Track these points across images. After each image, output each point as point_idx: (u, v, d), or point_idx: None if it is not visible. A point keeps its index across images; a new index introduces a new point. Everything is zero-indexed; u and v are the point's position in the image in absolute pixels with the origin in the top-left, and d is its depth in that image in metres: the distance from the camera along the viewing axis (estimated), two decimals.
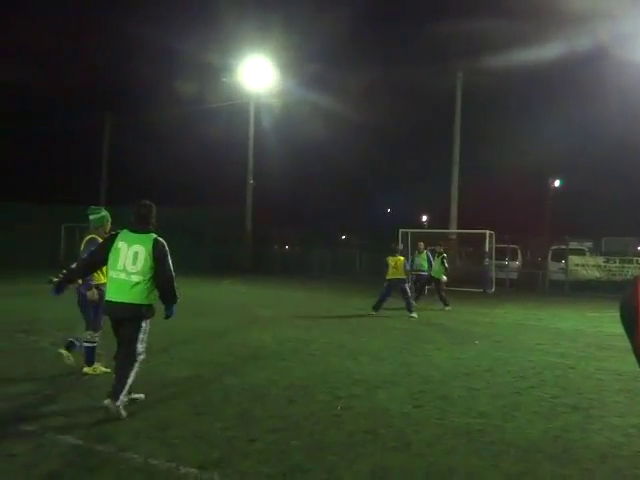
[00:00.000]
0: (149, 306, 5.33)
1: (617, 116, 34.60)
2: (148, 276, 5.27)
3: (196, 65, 37.54)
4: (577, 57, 25.30)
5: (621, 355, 8.99)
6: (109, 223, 6.87)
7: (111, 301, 5.30)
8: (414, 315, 13.41)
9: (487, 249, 22.92)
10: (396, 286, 13.79)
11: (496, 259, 23.94)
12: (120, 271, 5.25)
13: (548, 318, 13.99)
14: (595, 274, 23.25)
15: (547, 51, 25.42)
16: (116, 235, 5.45)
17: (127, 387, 5.16)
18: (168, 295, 5.47)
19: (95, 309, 6.54)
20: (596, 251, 26.31)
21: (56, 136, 37.01)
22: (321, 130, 39.89)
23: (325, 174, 51.26)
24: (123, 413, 5.06)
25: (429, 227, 46.42)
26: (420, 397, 6.08)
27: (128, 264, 5.24)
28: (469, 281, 23.48)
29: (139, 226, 5.43)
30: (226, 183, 36.61)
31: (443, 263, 16.10)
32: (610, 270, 22.94)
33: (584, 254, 25.12)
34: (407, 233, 24.20)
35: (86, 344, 6.64)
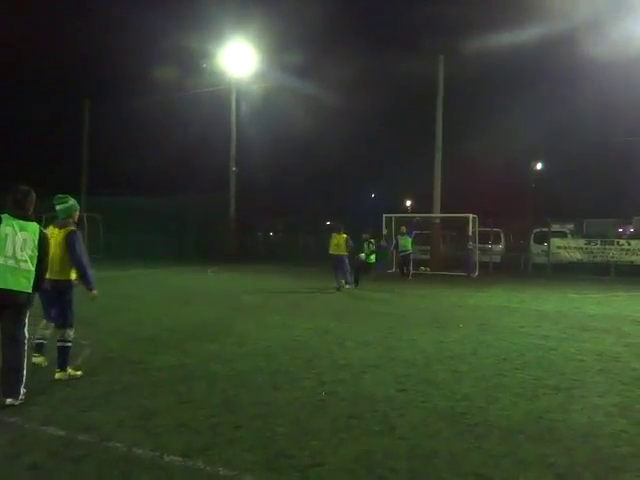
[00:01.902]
0: (31, 294, 5.31)
1: (598, 99, 34.83)
2: (35, 264, 5.28)
3: (177, 51, 37.07)
4: (558, 39, 25.35)
5: (602, 336, 9.11)
6: (77, 212, 6.43)
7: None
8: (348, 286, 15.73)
9: (470, 233, 23.04)
10: (336, 262, 15.65)
11: (479, 243, 24.09)
12: (8, 257, 5.15)
13: (531, 300, 14.12)
14: (577, 256, 23.49)
15: (528, 33, 25.44)
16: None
17: (24, 379, 5.20)
18: (42, 281, 5.43)
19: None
20: (578, 233, 26.56)
21: (35, 124, 36.53)
22: (304, 116, 39.73)
23: (308, 160, 51.10)
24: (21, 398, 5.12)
25: (413, 212, 46.55)
26: (404, 381, 6.11)
27: (17, 251, 5.19)
28: (453, 265, 23.65)
29: (18, 211, 5.31)
30: (209, 170, 36.39)
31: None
32: (592, 252, 23.17)
33: (566, 236, 25.37)
34: (391, 218, 24.27)
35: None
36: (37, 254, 5.30)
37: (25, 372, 5.23)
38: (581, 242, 23.82)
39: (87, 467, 3.91)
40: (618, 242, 23.08)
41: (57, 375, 5.99)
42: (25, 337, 5.31)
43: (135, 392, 5.60)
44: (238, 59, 29.89)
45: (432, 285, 18.06)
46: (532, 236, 26.40)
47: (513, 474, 3.89)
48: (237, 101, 31.27)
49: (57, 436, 4.40)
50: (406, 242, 19.69)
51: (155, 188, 34.06)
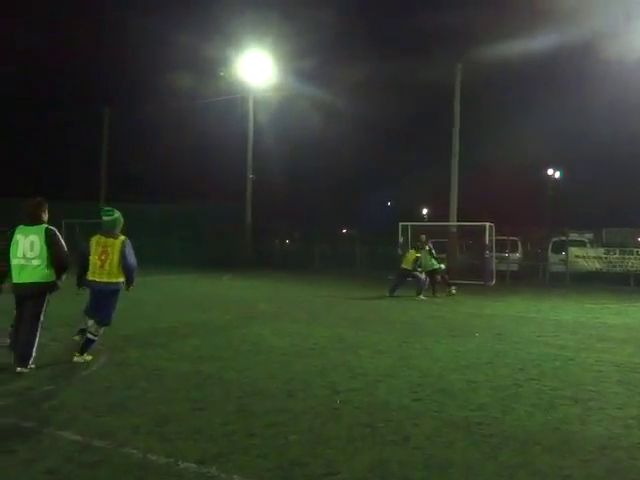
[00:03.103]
0: (51, 283, 6.42)
1: (617, 107, 34.52)
2: (46, 257, 6.33)
3: (194, 59, 37.50)
4: (577, 47, 25.21)
5: (620, 346, 9.00)
6: (122, 224, 7.14)
7: (17, 282, 6.34)
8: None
9: (487, 241, 22.89)
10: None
11: (496, 251, 23.92)
12: (20, 258, 6.32)
13: (548, 310, 13.99)
14: (595, 265, 23.22)
15: (547, 41, 25.32)
16: (14, 231, 6.42)
17: (34, 353, 6.31)
18: (60, 273, 6.48)
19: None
20: (596, 242, 26.27)
21: (55, 132, 37.00)
22: (321, 123, 39.84)
23: (325, 168, 51.22)
24: (32, 366, 6.28)
25: (429, 220, 46.40)
26: (419, 390, 6.08)
27: (27, 252, 6.31)
28: (470, 273, 23.48)
29: (28, 220, 6.45)
30: (225, 178, 36.60)
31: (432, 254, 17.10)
32: (610, 261, 22.90)
33: (584, 245, 25.08)
34: (407, 226, 24.19)
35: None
36: (47, 249, 6.33)
37: (35, 349, 6.34)
38: (600, 251, 23.57)
39: (102, 473, 3.93)
40: (638, 251, 22.79)
41: (75, 358, 6.89)
42: (40, 320, 6.40)
43: (150, 398, 5.63)
44: (255, 67, 30.07)
45: (448, 294, 17.93)
46: (550, 245, 26.17)
47: None
48: (254, 108, 31.43)
49: (73, 441, 4.44)
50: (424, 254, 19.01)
51: (172, 195, 34.34)
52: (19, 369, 6.21)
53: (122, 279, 6.95)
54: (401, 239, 23.61)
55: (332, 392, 5.93)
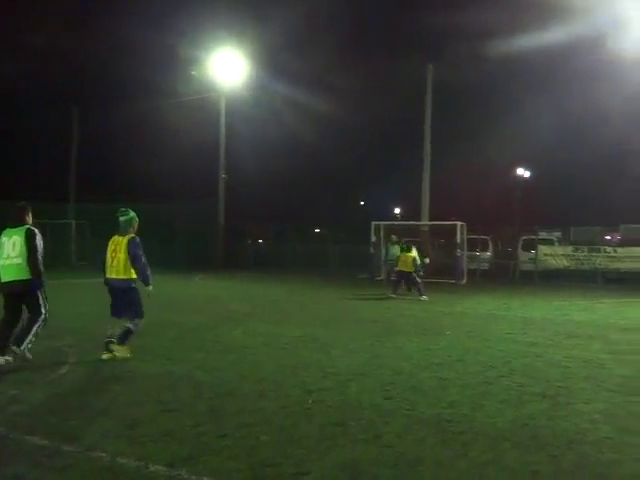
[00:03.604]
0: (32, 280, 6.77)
1: (586, 107, 35.13)
2: (26, 257, 6.70)
3: (166, 58, 37.12)
4: (546, 49, 25.56)
5: (588, 343, 9.17)
6: (137, 223, 7.51)
7: (3, 282, 6.77)
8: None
9: (459, 240, 23.14)
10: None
11: (468, 250, 24.19)
12: (5, 258, 6.75)
13: (518, 307, 14.19)
14: (564, 263, 23.62)
15: (516, 43, 25.61)
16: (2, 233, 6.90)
17: (30, 337, 6.71)
18: (35, 270, 6.77)
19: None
20: (565, 241, 26.71)
21: (22, 130, 36.31)
22: (293, 122, 39.75)
23: (298, 167, 51.18)
24: (28, 355, 6.73)
25: (402, 219, 46.69)
26: (391, 389, 6.11)
27: (10, 252, 6.73)
28: (441, 272, 23.69)
29: (13, 222, 6.89)
30: (198, 177, 36.35)
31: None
32: (578, 259, 23.32)
33: (553, 244, 25.50)
34: (380, 226, 24.32)
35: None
36: (27, 249, 6.70)
37: (31, 336, 6.75)
38: (568, 249, 23.98)
39: (71, 477, 3.87)
40: (605, 249, 23.24)
41: (113, 347, 7.17)
42: (41, 313, 6.84)
43: (120, 401, 5.56)
44: (227, 66, 29.90)
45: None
46: (520, 243, 26.54)
47: None
48: (226, 107, 31.26)
49: (41, 446, 4.36)
50: (395, 251, 19.51)
51: (143, 195, 33.94)
52: (14, 348, 6.61)
53: (133, 276, 7.26)
54: (374, 238, 23.74)
55: (304, 392, 5.93)
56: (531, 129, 43.57)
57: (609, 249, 23.30)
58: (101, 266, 7.34)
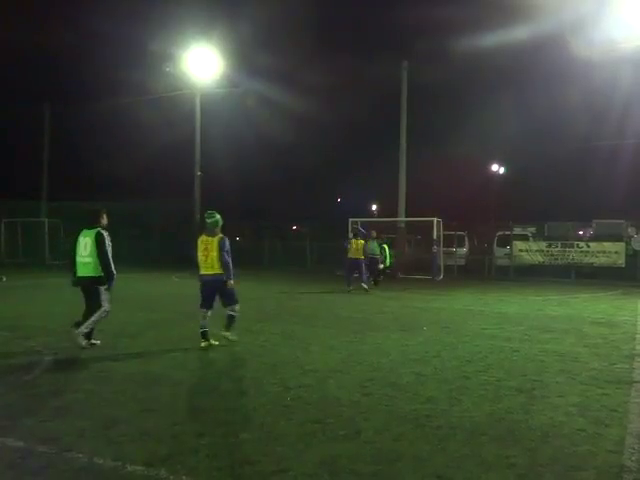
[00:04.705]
0: (101, 277, 7.72)
1: (558, 104, 35.59)
2: (95, 257, 7.66)
3: (141, 54, 36.71)
4: (519, 45, 25.84)
5: (562, 337, 9.31)
6: (221, 224, 8.33)
7: (77, 276, 7.82)
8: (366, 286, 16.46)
9: (435, 236, 23.29)
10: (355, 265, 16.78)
11: (444, 246, 24.36)
12: (80, 256, 7.76)
13: (494, 303, 14.34)
14: (538, 259, 23.89)
15: (490, 39, 25.83)
16: (79, 233, 7.88)
17: (89, 325, 7.68)
18: (106, 271, 7.72)
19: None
20: (539, 236, 27.05)
21: None
22: (271, 121, 39.65)
23: (274, 165, 51.08)
24: (81, 341, 7.61)
25: (379, 216, 46.85)
26: (369, 385, 6.14)
27: (82, 251, 7.76)
28: (418, 268, 23.85)
29: (88, 224, 7.90)
30: (174, 175, 36.05)
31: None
32: (553, 255, 23.61)
33: (527, 239, 25.79)
34: (357, 222, 24.37)
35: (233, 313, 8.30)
36: (96, 249, 7.66)
37: (92, 327, 7.75)
38: (542, 245, 24.26)
39: (47, 479, 3.83)
40: (578, 245, 23.56)
41: (224, 333, 8.23)
42: (101, 307, 7.72)
43: (97, 401, 5.50)
44: (202, 63, 29.65)
45: (397, 288, 18.19)
46: (495, 239, 26.80)
47: (475, 475, 3.93)
48: (202, 104, 31.03)
49: (16, 447, 4.29)
50: (375, 247, 19.71)
51: (119, 193, 33.56)
52: (76, 330, 7.63)
53: (223, 271, 8.10)
54: (351, 235, 23.76)
55: (283, 389, 5.93)
56: (505, 125, 44.03)
57: (582, 244, 23.64)
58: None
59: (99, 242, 7.68)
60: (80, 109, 33.64)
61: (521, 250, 24.26)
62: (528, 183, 49.57)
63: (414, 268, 24.09)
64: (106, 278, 7.73)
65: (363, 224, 23.41)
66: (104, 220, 8.02)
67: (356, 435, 4.63)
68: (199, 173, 31.22)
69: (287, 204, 49.11)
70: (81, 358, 7.33)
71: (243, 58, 34.09)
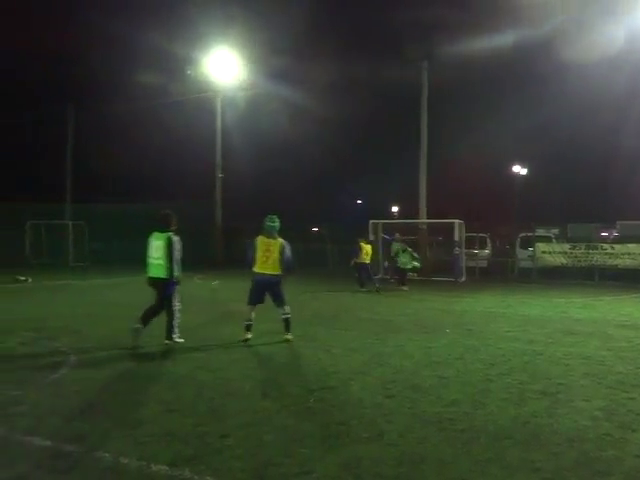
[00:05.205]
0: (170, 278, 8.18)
1: (582, 105, 35.19)
2: (166, 259, 8.11)
3: (162, 57, 36.95)
4: (542, 42, 25.55)
5: (587, 340, 9.19)
6: (279, 229, 8.89)
7: (148, 277, 8.33)
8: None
9: (457, 238, 23.15)
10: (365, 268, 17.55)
11: (466, 248, 24.18)
12: (150, 257, 8.27)
13: (517, 305, 14.21)
14: (561, 260, 23.62)
15: (511, 39, 25.61)
16: (150, 235, 8.37)
17: (171, 328, 8.25)
18: (170, 274, 8.19)
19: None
20: (562, 238, 26.73)
21: (18, 130, 36.14)
22: (290, 122, 39.73)
23: (295, 166, 51.20)
24: (180, 340, 8.28)
25: (399, 218, 46.71)
26: (392, 387, 6.12)
27: (153, 253, 8.25)
28: (440, 270, 23.70)
29: (158, 227, 8.34)
30: (195, 176, 36.26)
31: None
32: (576, 256, 23.31)
33: (550, 241, 25.51)
34: (377, 224, 24.33)
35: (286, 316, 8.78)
36: (166, 253, 8.11)
37: (173, 325, 8.25)
38: (565, 247, 23.97)
39: (73, 478, 3.88)
40: (602, 246, 23.23)
41: (286, 336, 8.66)
42: (173, 303, 8.27)
43: (122, 401, 5.57)
44: (223, 65, 29.84)
45: (419, 290, 18.11)
46: (518, 241, 26.55)
47: (500, 479, 3.91)
48: (222, 107, 31.22)
49: (43, 447, 4.36)
50: (397, 248, 19.72)
51: (141, 195, 33.90)
52: (166, 342, 8.15)
53: (280, 272, 8.64)
54: (372, 237, 23.71)
55: (305, 391, 5.94)
56: (529, 126, 43.62)
57: (606, 246, 23.31)
58: (250, 263, 8.70)
59: (169, 246, 8.13)
60: (102, 112, 34.01)
61: (544, 252, 24.00)
62: (551, 184, 49.06)
63: (435, 270, 23.94)
64: (169, 280, 8.19)
65: (385, 227, 23.41)
66: (174, 224, 8.47)
67: (379, 437, 4.62)
68: (220, 175, 31.41)
69: (307, 205, 49.15)
70: (105, 359, 7.41)
71: (262, 60, 34.04)
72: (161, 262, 8.17)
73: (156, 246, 8.24)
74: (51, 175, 35.16)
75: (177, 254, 8.25)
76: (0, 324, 10.03)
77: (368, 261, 17.67)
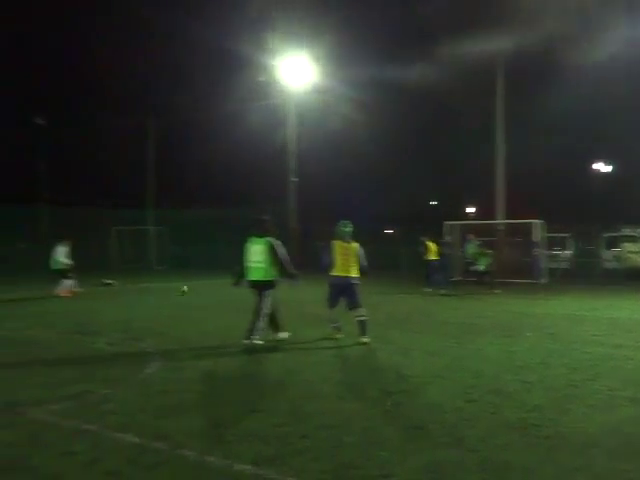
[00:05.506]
0: (271, 281, 8.52)
1: None
2: (267, 263, 8.41)
3: (235, 64, 37.83)
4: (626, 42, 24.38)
5: None
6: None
7: (249, 280, 8.58)
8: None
9: (536, 239, 22.43)
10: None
11: (547, 248, 23.39)
12: (250, 261, 8.50)
13: (602, 308, 13.62)
14: None
15: (589, 30, 24.58)
16: (248, 240, 8.62)
17: (259, 330, 8.26)
18: (288, 273, 8.60)
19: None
20: None
21: (103, 140, 37.85)
22: (361, 124, 39.64)
23: (367, 170, 51.07)
24: (259, 342, 8.18)
25: (475, 219, 45.74)
26: (472, 391, 6.01)
27: (252, 257, 8.48)
28: (520, 272, 23.00)
29: (256, 232, 8.60)
30: (268, 181, 36.81)
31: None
32: None
33: (637, 241, 24.30)
34: (456, 226, 23.94)
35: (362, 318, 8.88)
36: (270, 257, 8.40)
37: (260, 327, 8.29)
38: None
39: (161, 474, 4.03)
40: None
41: (361, 339, 8.68)
42: (266, 307, 8.43)
43: (206, 400, 5.74)
44: (295, 71, 30.19)
45: (498, 292, 17.66)
46: (602, 241, 25.44)
47: None
48: (296, 113, 31.58)
49: (133, 443, 4.55)
50: (472, 249, 19.39)
51: (219, 200, 34.75)
52: (244, 341, 8.22)
53: (358, 274, 8.89)
54: (448, 238, 23.36)
55: (383, 394, 5.92)
56: (612, 121, 41.73)
57: None
58: (327, 267, 8.96)
59: (273, 250, 8.41)
60: (178, 120, 35.13)
61: (631, 252, 22.89)
62: (637, 181, 46.69)
63: (514, 271, 23.26)
64: (291, 278, 8.65)
65: (462, 228, 23.01)
66: (272, 229, 8.74)
67: (460, 442, 4.55)
68: (294, 179, 31.78)
69: (379, 207, 48.89)
70: (189, 359, 7.65)
71: (334, 65, 34.16)
72: (262, 266, 8.43)
73: (254, 250, 8.50)
74: (133, 183, 36.60)
75: (283, 255, 8.51)
76: (90, 326, 10.54)
77: (436, 258, 17.67)
